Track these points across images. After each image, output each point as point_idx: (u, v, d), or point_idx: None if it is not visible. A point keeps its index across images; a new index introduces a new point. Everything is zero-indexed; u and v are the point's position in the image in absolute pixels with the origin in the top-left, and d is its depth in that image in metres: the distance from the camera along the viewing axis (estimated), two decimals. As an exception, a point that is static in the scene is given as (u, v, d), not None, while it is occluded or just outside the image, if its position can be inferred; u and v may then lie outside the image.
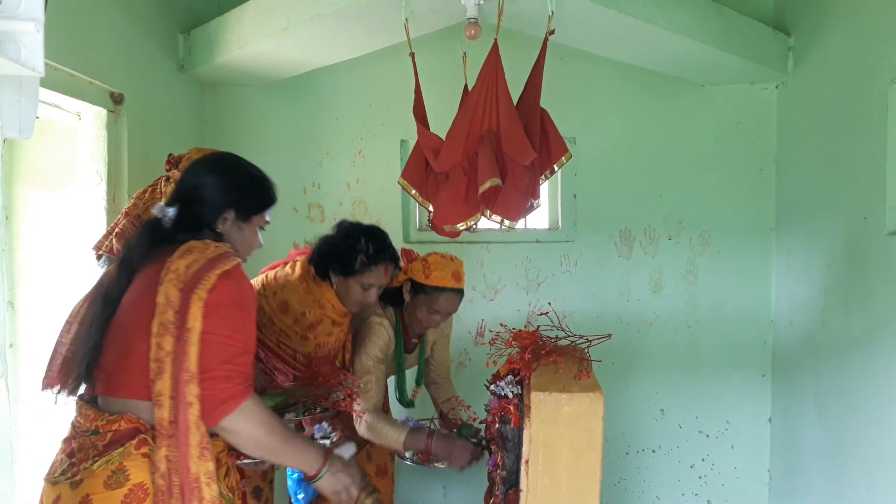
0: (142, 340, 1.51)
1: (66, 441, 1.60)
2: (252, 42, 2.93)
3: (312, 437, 2.03)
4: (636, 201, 3.56)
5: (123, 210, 2.30)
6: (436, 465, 2.39)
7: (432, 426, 2.58)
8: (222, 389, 1.52)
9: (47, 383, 1.65)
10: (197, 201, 1.71)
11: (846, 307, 2.77)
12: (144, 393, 1.52)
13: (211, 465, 1.52)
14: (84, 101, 2.51)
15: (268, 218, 1.83)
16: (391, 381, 2.79)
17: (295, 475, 2.47)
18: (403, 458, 2.44)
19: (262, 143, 3.45)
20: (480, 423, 2.51)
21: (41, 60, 1.00)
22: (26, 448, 2.48)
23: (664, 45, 3.00)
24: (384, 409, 2.83)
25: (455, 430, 2.54)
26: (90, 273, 2.58)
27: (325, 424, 2.05)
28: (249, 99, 3.54)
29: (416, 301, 2.54)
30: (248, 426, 1.56)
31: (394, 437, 2.39)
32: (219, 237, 1.71)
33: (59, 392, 1.63)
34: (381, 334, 2.52)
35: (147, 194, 2.29)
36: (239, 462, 1.83)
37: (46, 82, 2.25)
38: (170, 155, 2.25)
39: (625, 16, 2.70)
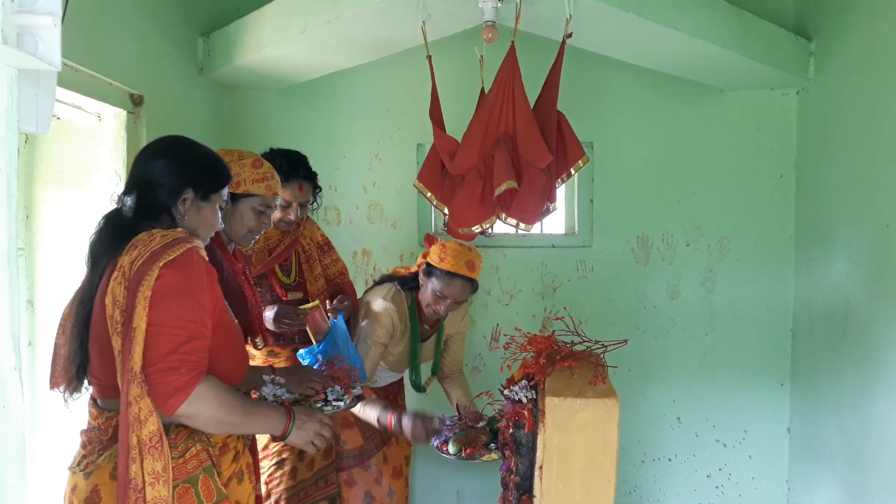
0: (109, 342, 1.54)
1: (82, 433, 1.67)
2: (270, 45, 2.95)
3: (326, 399, 2.03)
4: (654, 207, 3.53)
5: None
6: (482, 459, 2.40)
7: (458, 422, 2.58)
8: (169, 382, 1.50)
9: (53, 383, 1.70)
10: (153, 185, 1.65)
11: (867, 316, 2.72)
12: None
13: (159, 465, 1.50)
14: (104, 103, 2.52)
15: (225, 197, 1.78)
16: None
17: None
18: (448, 454, 2.45)
19: (280, 145, 3.46)
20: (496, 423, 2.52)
21: (58, 55, 1.00)
22: (46, 441, 2.50)
23: (683, 50, 2.97)
24: (399, 396, 2.93)
25: (486, 424, 2.54)
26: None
27: (337, 387, 2.05)
28: (267, 102, 3.56)
29: (427, 283, 2.63)
30: (206, 409, 1.55)
31: (367, 415, 2.51)
32: (175, 222, 1.67)
33: (64, 391, 1.68)
34: (383, 321, 2.63)
35: None
36: None
37: (67, 83, 2.28)
38: None
39: (643, 19, 2.68)
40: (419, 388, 2.83)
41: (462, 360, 3.01)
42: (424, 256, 2.68)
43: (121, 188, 2.60)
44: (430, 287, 2.62)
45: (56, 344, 1.70)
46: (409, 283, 2.73)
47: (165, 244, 1.54)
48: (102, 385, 1.63)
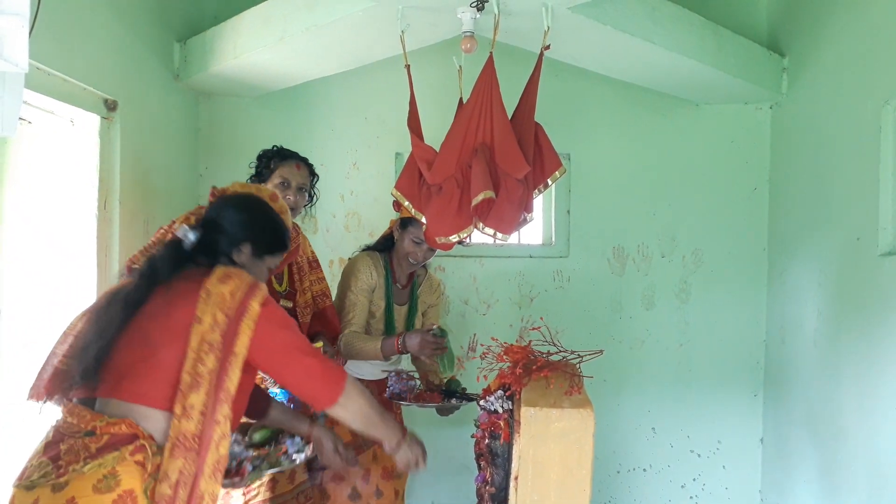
0: (167, 349, 1.58)
1: (51, 445, 1.56)
2: (248, 52, 2.93)
3: (286, 453, 2.06)
4: (630, 218, 3.56)
5: (164, 228, 2.25)
6: (427, 405, 2.59)
7: (417, 382, 2.74)
8: (335, 367, 1.77)
9: (34, 394, 1.66)
10: (217, 230, 1.82)
11: (838, 327, 2.76)
12: (156, 400, 1.57)
13: (218, 488, 1.59)
14: (77, 107, 2.49)
15: (277, 263, 1.95)
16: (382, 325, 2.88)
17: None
18: (394, 398, 2.62)
19: (256, 153, 3.44)
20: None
21: (25, 56, 0.99)
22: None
23: (659, 63, 3.01)
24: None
25: (443, 387, 2.70)
26: (79, 280, 2.57)
27: (297, 439, 2.06)
28: (244, 109, 3.54)
29: (404, 234, 2.73)
30: (358, 397, 1.78)
31: (369, 349, 2.61)
32: (234, 265, 1.80)
33: (45, 402, 1.64)
34: (362, 269, 2.72)
35: (193, 221, 2.27)
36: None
37: (40, 87, 2.24)
38: (213, 187, 2.27)
39: (620, 32, 2.71)
40: None
41: None
42: (393, 223, 2.83)
43: (93, 194, 2.59)
44: (406, 238, 2.72)
45: (52, 353, 1.68)
46: (378, 247, 2.85)
47: (254, 281, 1.71)
48: (123, 386, 1.59)
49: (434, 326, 2.58)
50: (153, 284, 1.69)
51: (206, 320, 1.59)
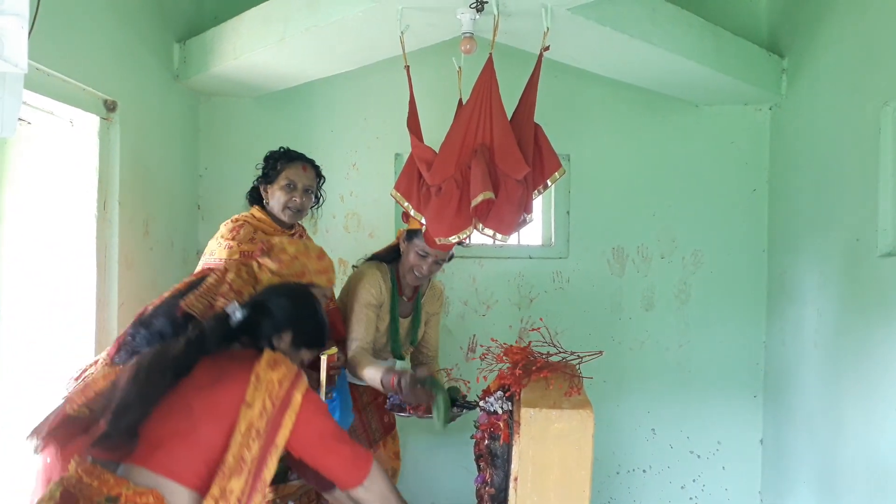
0: (209, 428, 1.60)
1: None
2: (248, 52, 2.93)
3: None
4: (629, 219, 3.56)
5: (218, 274, 2.18)
6: (427, 416, 2.54)
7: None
8: (362, 452, 1.83)
9: (37, 433, 1.66)
10: (264, 312, 1.87)
11: (838, 328, 2.76)
12: (187, 478, 1.56)
13: None
14: (77, 108, 2.49)
15: (311, 358, 2.01)
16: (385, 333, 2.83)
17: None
18: (395, 409, 2.62)
19: (256, 154, 3.40)
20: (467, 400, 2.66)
21: (25, 57, 0.98)
22: None
23: (659, 64, 3.01)
24: (383, 398, 2.86)
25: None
26: (77, 281, 2.57)
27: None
28: (244, 110, 3.53)
29: (409, 247, 2.67)
30: (381, 482, 1.84)
31: (371, 377, 2.52)
32: (272, 350, 1.83)
33: (43, 444, 1.65)
34: (371, 282, 2.67)
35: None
36: None
37: (39, 87, 2.24)
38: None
39: (620, 33, 2.71)
40: (398, 355, 2.86)
41: (437, 344, 3.02)
42: (400, 234, 2.78)
43: (93, 195, 2.59)
44: (412, 251, 2.67)
45: (67, 398, 1.69)
46: (386, 259, 2.80)
47: (299, 371, 1.76)
48: (157, 458, 1.57)
49: (426, 377, 2.53)
50: (200, 355, 1.73)
51: (256, 406, 1.62)
